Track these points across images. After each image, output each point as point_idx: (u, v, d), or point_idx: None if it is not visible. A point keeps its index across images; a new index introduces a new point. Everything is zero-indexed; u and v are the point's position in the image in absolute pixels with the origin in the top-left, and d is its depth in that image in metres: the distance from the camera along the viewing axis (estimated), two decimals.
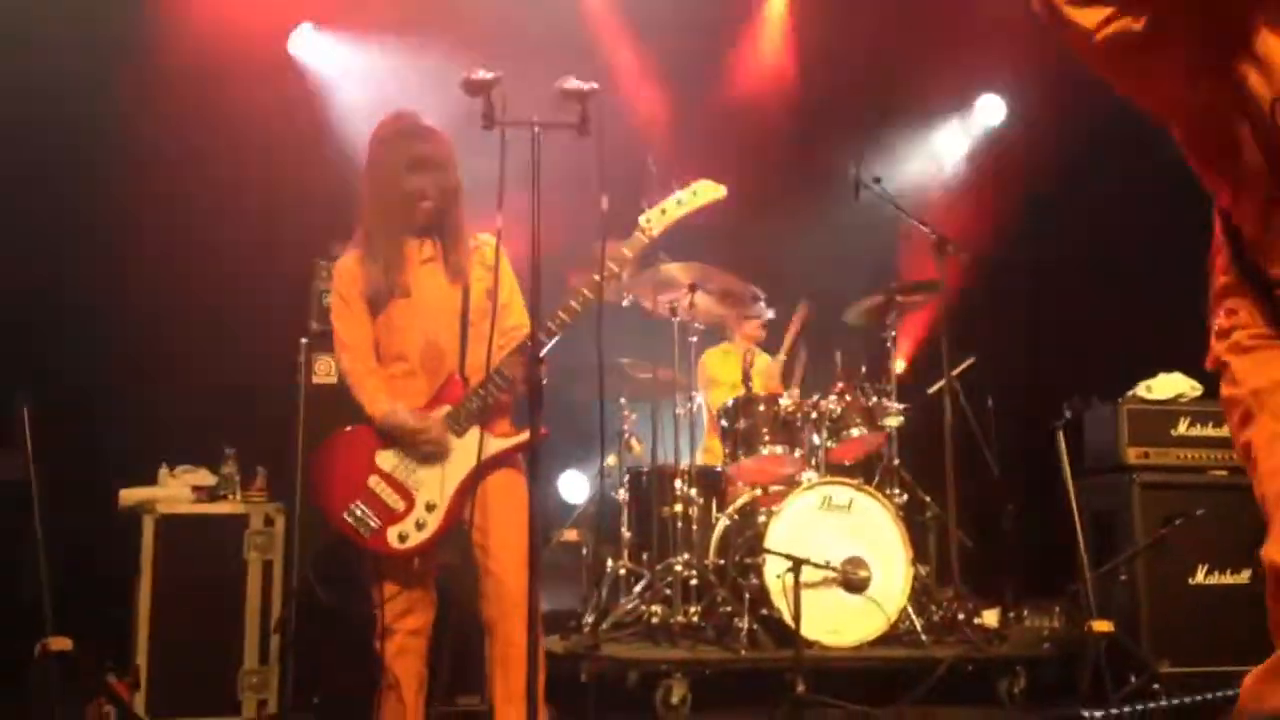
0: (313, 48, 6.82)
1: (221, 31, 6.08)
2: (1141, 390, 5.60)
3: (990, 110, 8.04)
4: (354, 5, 6.67)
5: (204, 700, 4.52)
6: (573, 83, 3.05)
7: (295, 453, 4.65)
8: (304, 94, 6.68)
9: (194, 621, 4.56)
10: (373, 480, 3.59)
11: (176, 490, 4.85)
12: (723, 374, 6.53)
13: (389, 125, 3.73)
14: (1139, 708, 4.51)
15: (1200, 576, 5.26)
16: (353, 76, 6.83)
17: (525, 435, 3.47)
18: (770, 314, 6.49)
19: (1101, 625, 4.92)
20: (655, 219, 3.70)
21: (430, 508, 3.57)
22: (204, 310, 5.84)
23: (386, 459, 3.60)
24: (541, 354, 3.20)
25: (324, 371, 4.72)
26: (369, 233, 3.69)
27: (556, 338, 3.53)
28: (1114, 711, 4.47)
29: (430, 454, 3.58)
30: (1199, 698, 4.53)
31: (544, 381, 3.03)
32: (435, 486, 3.57)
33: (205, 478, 4.93)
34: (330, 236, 4.92)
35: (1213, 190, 1.98)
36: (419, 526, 3.56)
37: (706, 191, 3.76)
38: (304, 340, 4.76)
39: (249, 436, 5.04)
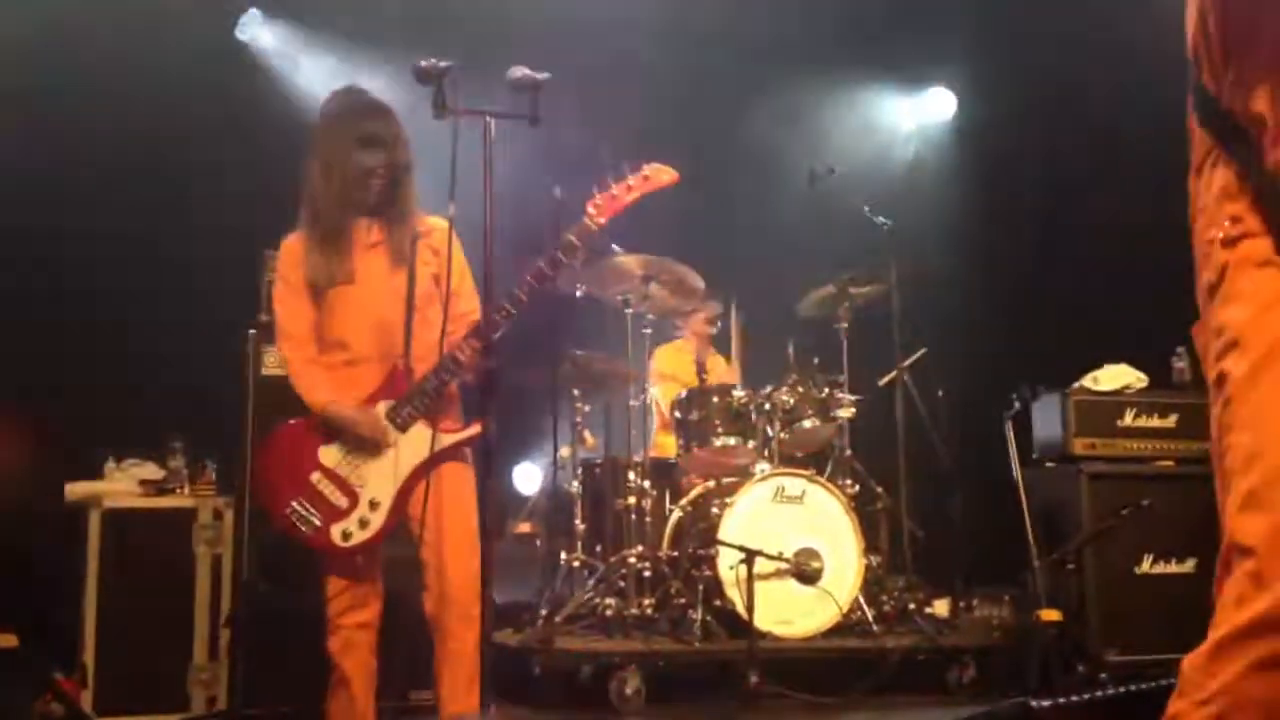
0: (260, 33, 6.73)
1: (166, 14, 5.99)
2: (1088, 381, 5.68)
3: (941, 101, 8.10)
4: None
5: (153, 696, 4.47)
6: (524, 73, 3.03)
7: (244, 445, 4.59)
8: (251, 80, 6.60)
9: (142, 617, 4.50)
10: (315, 477, 3.54)
11: (123, 484, 4.79)
12: (675, 370, 6.53)
13: (338, 100, 3.66)
14: (1086, 696, 4.56)
15: (1146, 566, 5.34)
16: (301, 63, 6.76)
17: (474, 429, 3.45)
18: (718, 308, 6.50)
19: (1050, 614, 4.99)
20: (604, 204, 3.62)
21: (374, 505, 3.52)
22: (150, 301, 5.77)
23: (330, 455, 3.54)
24: (492, 339, 3.16)
25: (272, 363, 4.66)
26: (315, 214, 3.59)
27: (507, 323, 3.47)
28: (1061, 700, 4.51)
29: (372, 447, 3.53)
30: (1146, 685, 4.59)
31: (493, 368, 2.98)
32: (380, 483, 3.52)
33: (153, 471, 4.87)
34: (278, 226, 4.87)
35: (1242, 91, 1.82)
36: (362, 524, 3.51)
37: (657, 175, 3.68)
38: (251, 331, 4.70)
39: (197, 429, 4.98)
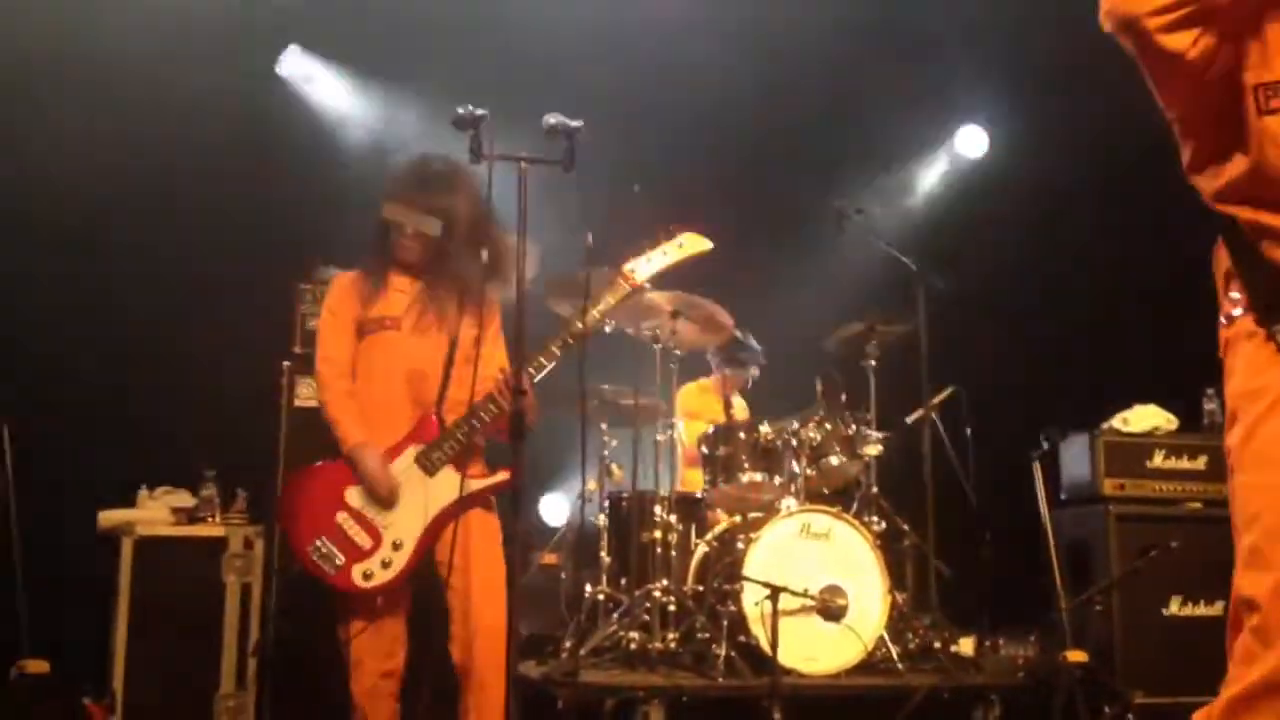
0: (301, 71, 6.83)
1: (208, 47, 6.09)
2: (1118, 422, 5.67)
3: (972, 141, 8.11)
4: (344, 31, 6.68)
5: None
6: (558, 119, 3.08)
7: (275, 475, 4.65)
8: (290, 115, 6.70)
9: (171, 644, 4.55)
10: (340, 516, 3.59)
11: (155, 512, 4.84)
12: (700, 408, 6.56)
13: (409, 163, 3.81)
14: None
15: (1174, 608, 5.31)
16: (339, 100, 6.84)
17: (501, 476, 3.51)
18: (755, 373, 6.56)
19: (1076, 655, 4.96)
20: (640, 269, 3.79)
21: (397, 546, 3.56)
22: (185, 332, 5.84)
23: (356, 495, 3.60)
24: (521, 389, 3.22)
25: (306, 394, 4.73)
26: (364, 260, 3.76)
27: (539, 376, 3.58)
28: None
29: (384, 503, 3.57)
30: None
31: (528, 418, 3.03)
32: (404, 525, 3.56)
33: (184, 499, 4.93)
34: (313, 260, 4.95)
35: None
36: (384, 565, 3.55)
37: (692, 244, 3.86)
38: (286, 363, 4.77)
39: (229, 459, 5.04)
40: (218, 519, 4.86)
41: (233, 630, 4.65)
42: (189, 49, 6.00)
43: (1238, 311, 1.93)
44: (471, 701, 3.53)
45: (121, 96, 5.88)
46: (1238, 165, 1.93)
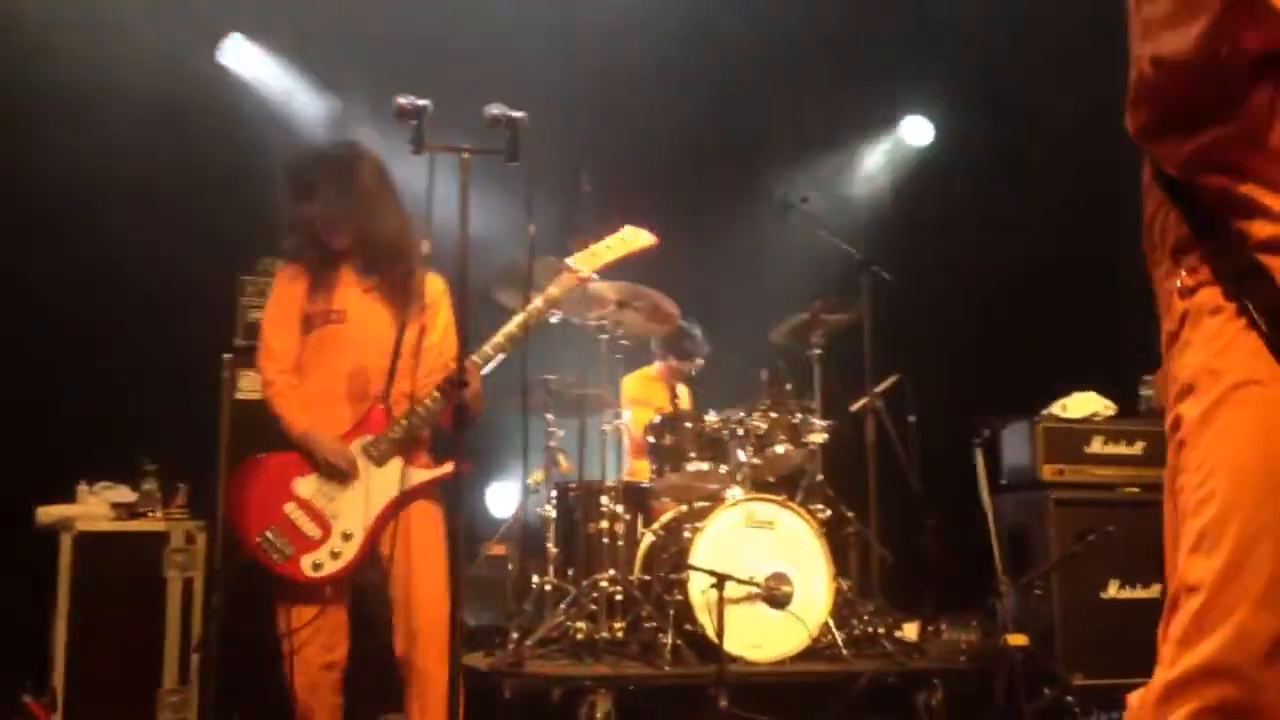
0: (242, 59, 6.75)
1: (144, 36, 6.00)
2: (1057, 409, 5.75)
3: (915, 131, 8.18)
4: (284, 20, 6.61)
5: (122, 719, 4.46)
6: (500, 109, 3.07)
7: (217, 470, 4.61)
8: (230, 105, 6.62)
9: (112, 641, 4.50)
10: (289, 507, 3.57)
11: (95, 507, 4.78)
12: (645, 397, 6.58)
13: (331, 149, 3.84)
14: None
15: (1112, 591, 5.41)
16: (281, 90, 6.77)
17: (446, 468, 3.51)
18: (700, 363, 6.59)
19: (1017, 639, 5.03)
20: (585, 262, 3.83)
21: (347, 537, 3.55)
22: (124, 325, 5.76)
23: (305, 486, 3.58)
24: (465, 380, 3.21)
25: (247, 387, 4.69)
26: (302, 253, 3.72)
27: (488, 368, 3.58)
28: None
29: (343, 479, 3.56)
30: (1111, 715, 4.66)
31: (472, 409, 3.03)
32: (353, 516, 3.55)
33: (125, 495, 4.87)
34: (254, 251, 4.91)
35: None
36: (334, 555, 3.54)
37: (637, 238, 3.91)
38: (228, 356, 4.72)
39: (170, 453, 4.98)
40: (159, 514, 4.81)
41: (175, 626, 4.60)
42: (126, 37, 5.91)
43: (1195, 283, 1.91)
44: (415, 692, 3.52)
45: (58, 86, 5.78)
46: (1214, 133, 1.89)
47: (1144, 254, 2.17)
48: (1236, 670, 1.73)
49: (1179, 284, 1.91)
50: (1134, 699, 1.86)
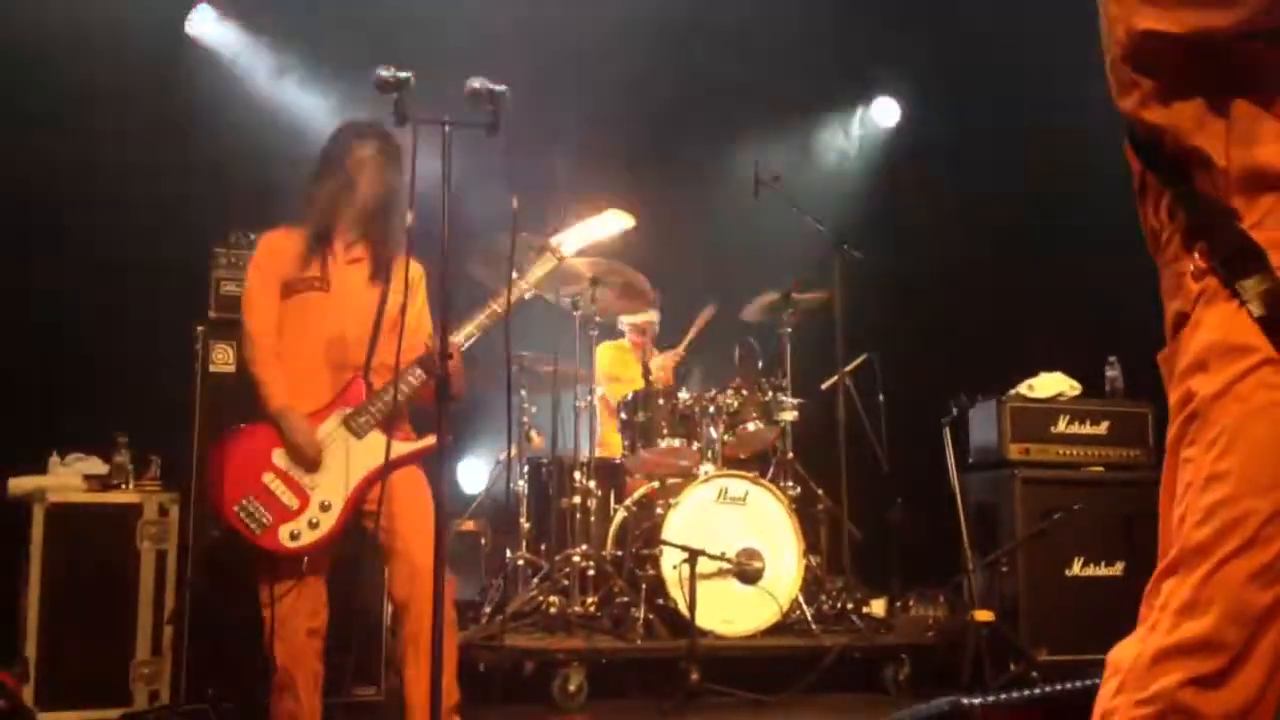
0: (211, 29, 6.69)
1: (114, 10, 5.94)
2: (1024, 389, 5.83)
3: (885, 111, 8.23)
4: None
5: (95, 691, 4.44)
6: (482, 83, 3.07)
7: (191, 441, 4.60)
8: (202, 76, 6.57)
9: (85, 612, 4.47)
10: (268, 477, 3.56)
11: (67, 479, 4.74)
12: (617, 368, 6.61)
13: (347, 125, 3.80)
14: (1016, 694, 4.69)
15: (1076, 568, 5.50)
16: (253, 61, 6.73)
17: (428, 441, 3.53)
18: (656, 317, 6.61)
19: (983, 615, 5.11)
20: (567, 242, 3.86)
21: (325, 507, 3.55)
22: (97, 296, 5.72)
23: (283, 457, 3.57)
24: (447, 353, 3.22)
25: (221, 360, 4.66)
26: (303, 218, 3.72)
27: (466, 345, 3.60)
28: (992, 698, 4.64)
29: (307, 465, 3.57)
30: (1073, 685, 4.73)
31: (454, 384, 3.04)
32: (333, 487, 3.56)
33: (97, 466, 4.83)
34: (228, 222, 4.88)
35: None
36: (312, 525, 3.54)
37: (617, 220, 3.94)
38: (201, 328, 4.70)
39: (143, 425, 4.95)
40: (131, 486, 4.78)
41: (148, 598, 4.58)
42: (93, 6, 5.85)
43: (1207, 266, 1.94)
44: (410, 633, 3.53)
45: (23, 58, 5.72)
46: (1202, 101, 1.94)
47: (1113, 234, 2.20)
48: (1229, 644, 1.79)
49: (1192, 267, 1.95)
50: (1118, 659, 1.90)
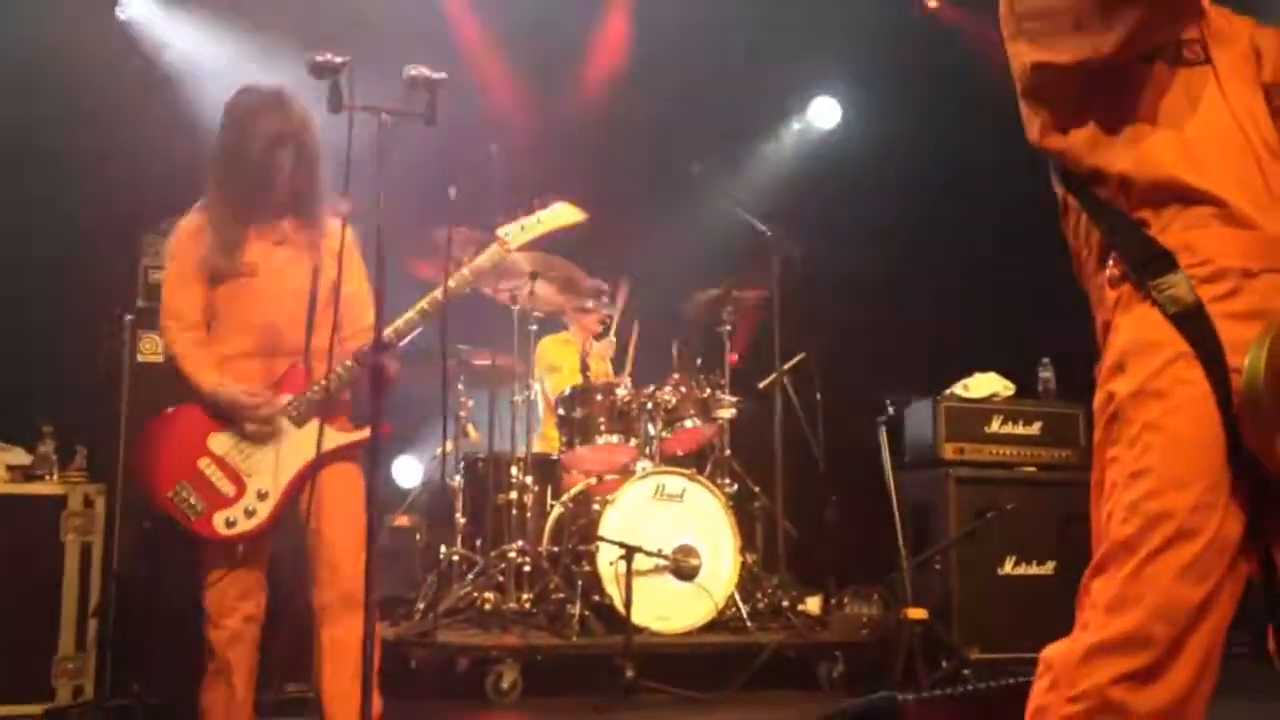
0: (143, 14, 6.56)
1: None
2: (958, 389, 5.88)
3: (824, 112, 8.26)
4: None
5: (17, 687, 4.31)
6: (420, 71, 3.03)
7: (119, 432, 4.50)
8: (131, 62, 6.43)
9: (7, 606, 4.36)
10: (203, 462, 3.49)
11: None
12: (560, 361, 6.56)
13: (249, 94, 3.60)
14: (949, 690, 4.73)
15: (1008, 567, 5.56)
16: (184, 46, 6.60)
17: (365, 432, 3.46)
18: (611, 309, 6.57)
19: (916, 613, 5.15)
20: (515, 235, 3.82)
21: (262, 495, 3.48)
22: (21, 284, 5.58)
23: (220, 442, 3.50)
24: (384, 344, 3.17)
25: (149, 349, 4.57)
26: (217, 203, 3.57)
27: (406, 339, 3.55)
28: (925, 694, 4.67)
29: (261, 435, 3.49)
30: (1004, 682, 4.78)
31: (392, 376, 3.00)
32: (269, 474, 3.49)
33: (20, 456, 4.71)
34: (155, 211, 4.78)
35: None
36: (248, 514, 3.48)
37: (566, 214, 3.92)
38: (129, 317, 4.60)
39: (68, 415, 4.84)
40: (55, 477, 4.67)
41: (72, 591, 4.47)
42: None
43: (1121, 274, 2.01)
44: (327, 641, 3.48)
45: None
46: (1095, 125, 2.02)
47: (1049, 236, 2.26)
48: (1158, 640, 1.81)
49: (1108, 275, 2.00)
50: (1050, 656, 1.92)
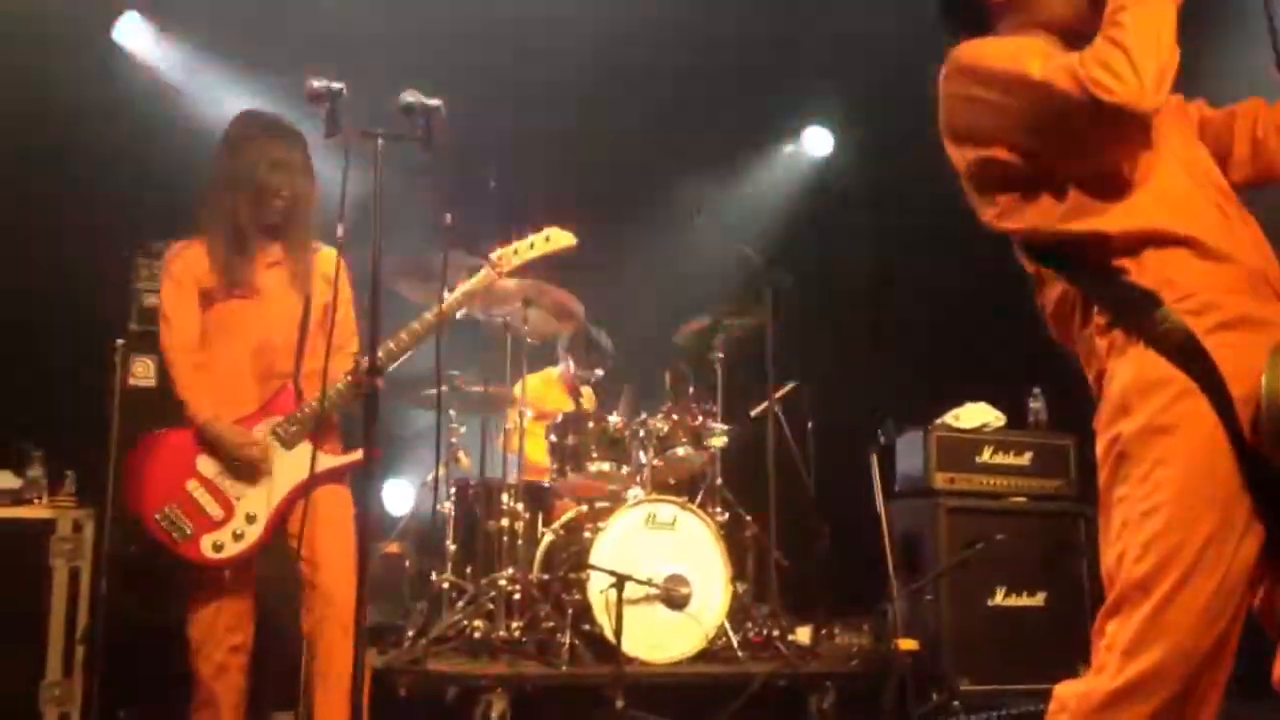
0: (138, 36, 6.58)
1: (39, 11, 5.82)
2: (949, 419, 5.89)
3: (817, 141, 8.29)
4: None
5: (2, 713, 4.29)
6: (415, 97, 3.05)
7: (109, 456, 4.48)
8: (126, 84, 6.44)
9: None
10: (191, 485, 3.49)
11: None
12: (541, 400, 6.55)
13: (251, 119, 3.66)
14: None
15: (999, 598, 5.54)
16: (179, 69, 6.62)
17: (357, 455, 3.46)
18: (601, 373, 6.57)
19: (907, 643, 5.14)
20: (507, 258, 3.87)
21: (251, 519, 3.48)
22: (11, 308, 5.57)
23: (209, 465, 3.50)
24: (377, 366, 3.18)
25: (140, 373, 4.56)
26: (214, 225, 3.61)
27: (397, 362, 3.55)
28: None
29: (252, 470, 3.49)
30: (995, 714, 4.77)
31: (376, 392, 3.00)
32: (258, 498, 3.48)
33: (9, 480, 4.70)
34: (150, 234, 4.78)
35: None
36: (236, 537, 3.47)
37: (558, 239, 3.97)
38: (120, 341, 4.60)
39: (58, 438, 4.82)
40: (44, 501, 4.65)
41: (60, 617, 4.45)
42: (18, 12, 5.72)
43: (1106, 322, 2.02)
44: (317, 669, 3.46)
45: None
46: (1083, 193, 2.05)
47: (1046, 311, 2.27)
48: (1176, 679, 1.81)
49: (1095, 325, 2.01)
50: (1066, 697, 1.92)
